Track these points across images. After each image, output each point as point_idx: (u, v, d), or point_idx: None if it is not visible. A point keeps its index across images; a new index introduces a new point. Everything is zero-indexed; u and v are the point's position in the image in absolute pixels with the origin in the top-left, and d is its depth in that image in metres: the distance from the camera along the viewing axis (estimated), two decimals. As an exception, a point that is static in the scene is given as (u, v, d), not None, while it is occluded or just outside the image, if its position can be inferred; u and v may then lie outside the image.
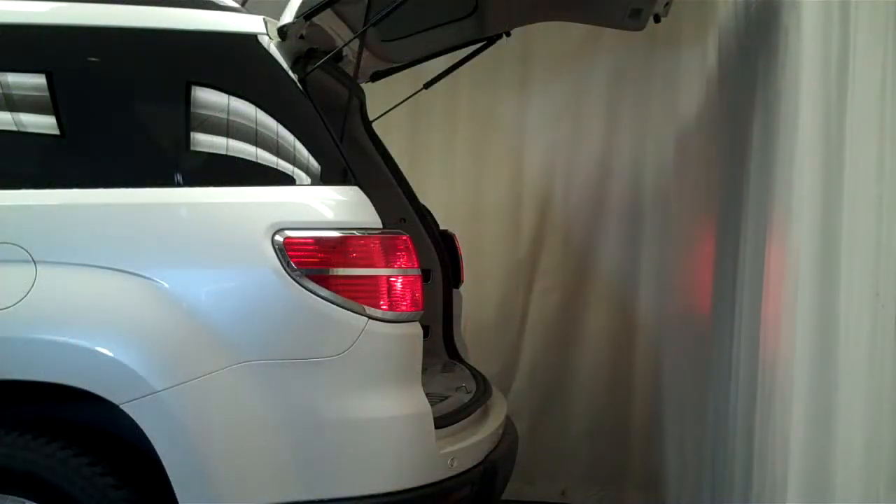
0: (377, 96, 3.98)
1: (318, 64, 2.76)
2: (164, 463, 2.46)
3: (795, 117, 2.63)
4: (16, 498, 2.53)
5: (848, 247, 2.39)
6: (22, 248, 2.55)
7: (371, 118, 3.80)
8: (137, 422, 2.45)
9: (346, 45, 2.99)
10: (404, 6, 2.75)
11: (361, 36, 2.91)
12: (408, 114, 4.28)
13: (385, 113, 3.93)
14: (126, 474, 2.57)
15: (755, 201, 3.13)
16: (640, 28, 3.84)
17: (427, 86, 4.09)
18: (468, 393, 3.22)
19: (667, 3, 3.66)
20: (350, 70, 3.28)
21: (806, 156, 2.55)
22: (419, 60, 3.99)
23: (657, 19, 3.78)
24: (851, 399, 2.35)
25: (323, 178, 2.65)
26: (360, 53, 2.89)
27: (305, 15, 2.68)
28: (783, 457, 2.64)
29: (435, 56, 3.93)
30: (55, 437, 2.56)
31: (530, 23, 4.00)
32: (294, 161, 2.66)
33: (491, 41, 4.03)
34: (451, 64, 4.08)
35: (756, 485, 2.94)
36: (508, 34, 4.08)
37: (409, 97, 4.06)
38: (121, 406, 2.45)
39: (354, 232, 2.58)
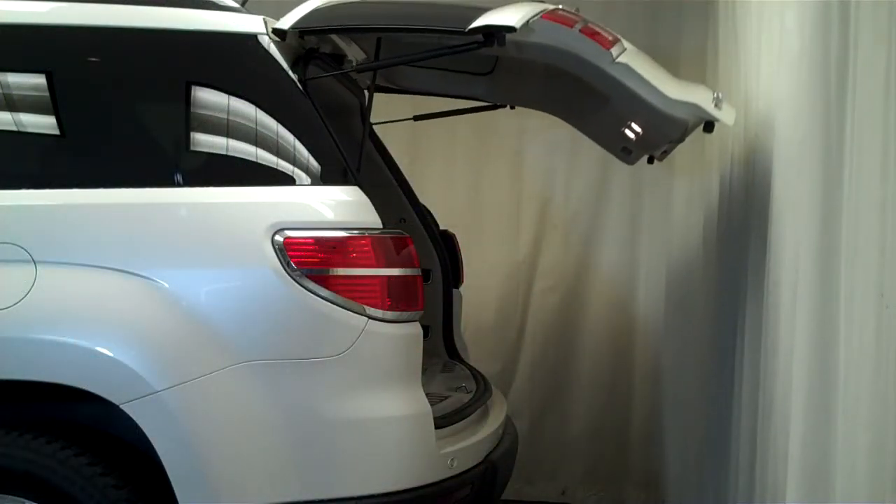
0: (377, 97, 3.95)
1: (323, 75, 2.76)
2: (164, 463, 2.46)
3: (796, 117, 2.63)
4: (16, 498, 2.53)
5: (851, 248, 2.38)
6: (22, 248, 2.55)
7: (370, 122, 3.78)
8: (137, 422, 2.45)
9: (353, 70, 2.98)
10: (424, 41, 2.75)
11: (374, 74, 2.95)
12: (408, 114, 4.28)
13: (381, 123, 3.90)
14: (126, 474, 2.57)
15: (757, 200, 3.13)
16: (630, 163, 3.72)
17: (417, 118, 4.02)
18: (468, 393, 3.22)
19: (664, 151, 3.55)
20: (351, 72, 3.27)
21: (807, 156, 2.55)
22: (420, 93, 3.92)
23: (650, 160, 3.68)
24: (856, 400, 2.35)
25: (323, 178, 2.65)
26: (371, 92, 2.90)
27: (300, 31, 2.70)
28: (784, 458, 2.64)
29: (437, 95, 3.87)
30: (55, 437, 2.56)
31: (535, 108, 3.88)
32: (294, 161, 2.65)
33: (494, 106, 3.94)
34: (449, 108, 3.98)
35: (758, 486, 2.94)
36: (513, 107, 4.00)
37: (399, 120, 4.00)
38: (121, 406, 2.45)
39: (354, 232, 2.58)
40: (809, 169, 2.53)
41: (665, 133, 3.06)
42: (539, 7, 2.80)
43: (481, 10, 2.67)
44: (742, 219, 3.32)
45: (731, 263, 3.43)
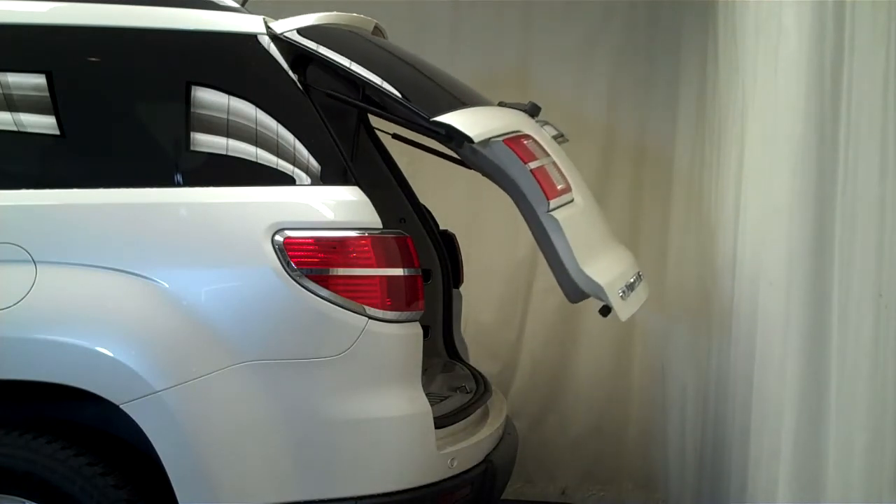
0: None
1: (319, 88, 2.78)
2: (165, 463, 2.46)
3: (793, 116, 2.64)
4: (16, 498, 2.53)
5: (849, 248, 2.39)
6: (22, 248, 2.55)
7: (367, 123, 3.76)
8: (138, 422, 2.46)
9: (341, 98, 2.97)
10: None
11: (359, 118, 3.00)
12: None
13: (375, 129, 3.89)
14: (126, 474, 2.57)
15: (753, 201, 3.13)
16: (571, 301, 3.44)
17: (394, 137, 3.98)
18: (468, 393, 3.22)
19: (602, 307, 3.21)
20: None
21: (801, 155, 2.56)
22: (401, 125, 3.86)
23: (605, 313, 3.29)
24: (853, 400, 2.35)
25: (323, 178, 2.65)
26: (357, 132, 2.90)
27: (289, 41, 2.72)
28: (776, 458, 2.64)
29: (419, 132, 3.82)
30: (55, 437, 2.56)
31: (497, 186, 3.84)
32: (294, 161, 2.66)
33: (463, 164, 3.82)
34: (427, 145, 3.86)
35: (750, 485, 2.94)
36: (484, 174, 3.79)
37: (381, 131, 3.97)
38: (121, 406, 2.46)
39: (354, 232, 2.58)
40: (803, 168, 2.53)
41: (563, 287, 3.03)
42: (513, 127, 2.84)
43: (459, 104, 2.71)
44: (737, 217, 3.32)
45: (728, 262, 3.43)
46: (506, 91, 4.64)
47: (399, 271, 2.62)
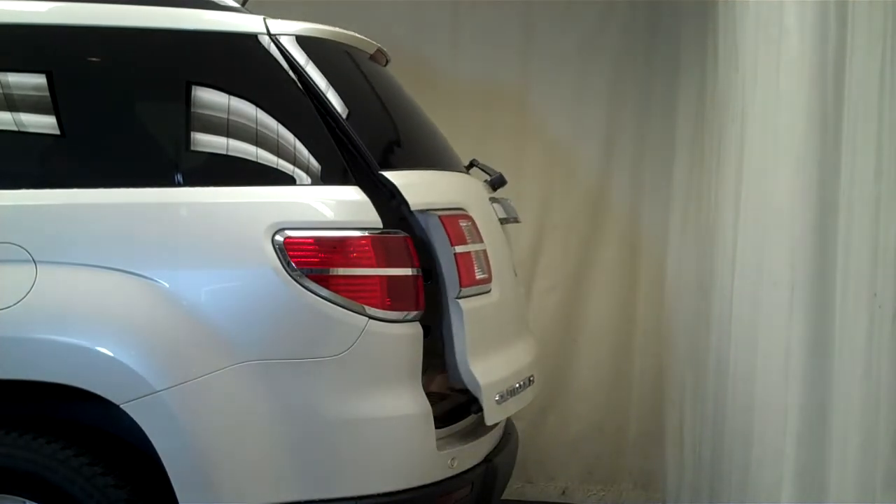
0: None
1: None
2: (165, 463, 2.46)
3: (793, 117, 2.64)
4: (16, 498, 2.53)
5: (845, 247, 2.39)
6: (22, 247, 2.55)
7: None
8: (138, 422, 2.45)
9: (320, 110, 2.95)
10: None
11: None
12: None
13: None
14: (126, 474, 2.57)
15: (751, 200, 3.13)
16: None
17: None
18: (468, 393, 3.21)
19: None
20: None
21: (802, 155, 2.56)
22: None
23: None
24: (847, 399, 2.35)
25: (323, 178, 2.65)
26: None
27: (279, 45, 2.72)
28: (778, 456, 2.64)
29: None
30: (55, 437, 2.56)
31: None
32: (294, 161, 2.66)
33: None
34: None
35: (751, 485, 2.94)
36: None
37: None
38: (121, 406, 2.46)
39: (354, 232, 2.58)
40: (805, 168, 2.54)
41: (449, 371, 2.93)
42: (456, 204, 2.85)
43: (414, 164, 2.74)
44: (736, 217, 3.32)
45: (728, 262, 3.43)
46: (505, 93, 4.68)
47: (399, 271, 2.62)
